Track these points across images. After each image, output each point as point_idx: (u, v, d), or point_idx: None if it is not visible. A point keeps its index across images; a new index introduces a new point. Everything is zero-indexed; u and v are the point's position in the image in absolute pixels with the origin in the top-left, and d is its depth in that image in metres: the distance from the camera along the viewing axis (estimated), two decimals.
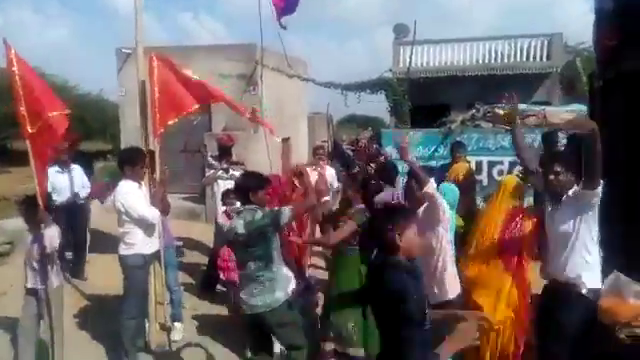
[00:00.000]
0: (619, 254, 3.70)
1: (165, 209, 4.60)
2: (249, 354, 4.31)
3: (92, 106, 25.98)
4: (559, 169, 3.31)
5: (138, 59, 4.69)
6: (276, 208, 3.59)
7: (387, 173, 5.20)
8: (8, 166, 17.03)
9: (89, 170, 8.28)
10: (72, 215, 6.35)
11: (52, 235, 4.09)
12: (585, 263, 3.23)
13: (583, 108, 9.55)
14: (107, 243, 7.73)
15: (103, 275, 6.56)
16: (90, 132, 25.76)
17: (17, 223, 8.30)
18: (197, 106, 4.62)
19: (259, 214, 3.44)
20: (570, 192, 3.31)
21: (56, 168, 6.26)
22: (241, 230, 3.42)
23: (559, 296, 3.29)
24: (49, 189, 5.61)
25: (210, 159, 6.85)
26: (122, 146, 12.22)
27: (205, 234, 7.72)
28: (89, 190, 6.79)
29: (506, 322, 3.73)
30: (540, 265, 3.76)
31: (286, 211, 3.47)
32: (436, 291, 3.51)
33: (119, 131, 13.26)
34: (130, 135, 11.54)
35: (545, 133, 6.95)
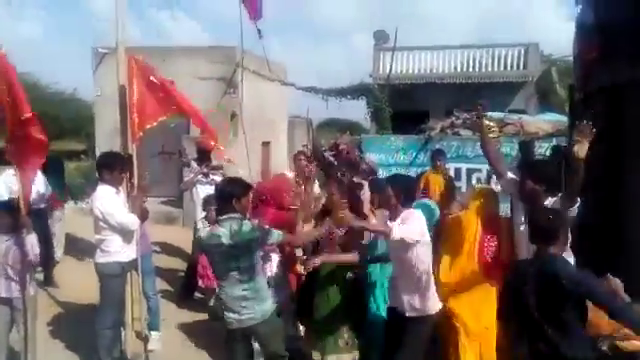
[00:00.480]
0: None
1: (143, 215, 4.48)
2: None
3: (66, 105, 25.38)
4: (533, 179, 3.35)
5: (119, 61, 4.57)
6: (267, 227, 3.47)
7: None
8: None
9: (59, 171, 7.90)
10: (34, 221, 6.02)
11: (33, 242, 3.96)
12: None
13: (559, 118, 9.76)
14: (81, 247, 7.60)
15: (76, 281, 6.38)
16: (63, 131, 25.17)
17: None
18: (172, 114, 4.69)
19: (247, 225, 3.31)
20: (547, 203, 3.34)
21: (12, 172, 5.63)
22: (226, 240, 3.27)
23: None
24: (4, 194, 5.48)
25: (193, 162, 6.72)
26: (97, 147, 12.00)
27: (182, 239, 7.59)
28: (48, 195, 6.25)
29: (488, 331, 3.74)
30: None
31: (275, 234, 3.42)
32: (418, 306, 3.48)
33: (93, 131, 13.02)
34: (105, 136, 11.33)
35: (521, 142, 7.05)
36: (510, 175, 3.75)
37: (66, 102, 25.98)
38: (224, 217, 3.35)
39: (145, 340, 4.67)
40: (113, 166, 4.20)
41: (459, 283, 3.76)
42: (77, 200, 6.70)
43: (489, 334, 3.74)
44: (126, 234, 4.20)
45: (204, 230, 3.37)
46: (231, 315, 3.38)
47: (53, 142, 17.48)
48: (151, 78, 4.66)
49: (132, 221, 4.16)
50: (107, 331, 4.23)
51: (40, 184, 5.89)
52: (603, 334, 3.25)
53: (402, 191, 3.45)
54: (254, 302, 3.37)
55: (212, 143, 6.63)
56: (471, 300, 3.76)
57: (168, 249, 7.82)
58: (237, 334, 3.44)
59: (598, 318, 3.18)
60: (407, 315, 3.46)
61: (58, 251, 6.74)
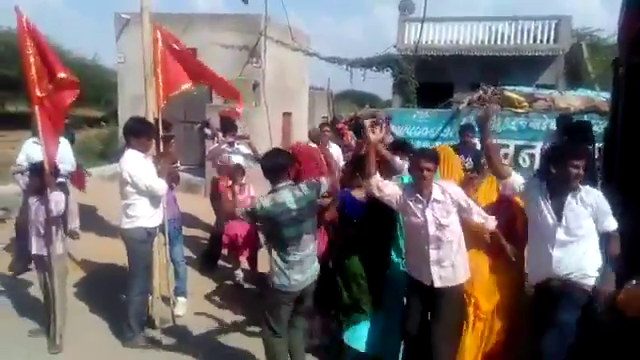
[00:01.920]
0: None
1: (174, 181, 4.48)
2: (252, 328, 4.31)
3: (87, 71, 25.36)
4: (580, 163, 3.18)
5: (143, 27, 4.48)
6: (314, 180, 3.60)
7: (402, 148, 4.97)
8: (1, 129, 16.65)
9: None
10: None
11: (58, 199, 4.02)
12: (591, 258, 3.23)
13: (590, 93, 9.46)
14: (98, 215, 7.68)
15: (95, 249, 6.47)
16: (84, 98, 25.23)
17: (12, 189, 8.17)
18: (196, 83, 4.83)
19: (305, 188, 3.46)
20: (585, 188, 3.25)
21: (34, 139, 5.55)
22: (293, 205, 3.35)
23: (564, 294, 3.23)
24: (24, 161, 5.52)
25: (219, 133, 6.66)
26: (119, 114, 11.98)
27: (204, 208, 7.56)
28: (72, 168, 6.21)
29: (497, 314, 3.71)
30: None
31: (324, 182, 3.60)
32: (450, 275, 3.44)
33: (114, 98, 12.98)
34: (128, 103, 11.30)
35: (562, 118, 6.71)
36: (514, 177, 3.53)
37: (87, 68, 25.98)
38: (282, 185, 3.42)
39: (172, 306, 4.70)
40: (141, 132, 4.16)
41: (475, 261, 3.70)
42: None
43: (497, 317, 3.70)
44: (153, 199, 4.17)
45: (265, 199, 3.33)
46: (297, 277, 3.41)
47: (73, 108, 17.70)
48: (174, 46, 4.69)
49: (161, 186, 4.13)
50: (137, 297, 4.25)
51: (64, 155, 5.68)
52: None
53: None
54: (314, 260, 3.54)
55: (238, 111, 6.58)
56: (485, 280, 3.72)
57: (190, 218, 7.82)
58: (291, 297, 3.47)
59: None
60: (436, 286, 3.43)
61: (75, 222, 6.75)
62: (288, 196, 3.37)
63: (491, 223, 3.53)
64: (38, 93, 3.94)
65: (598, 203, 3.20)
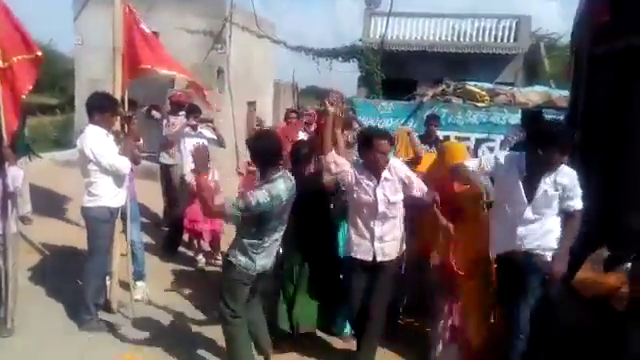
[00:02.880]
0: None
1: (136, 160, 4.32)
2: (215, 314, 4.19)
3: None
4: (561, 150, 3.22)
5: (115, 4, 4.29)
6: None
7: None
8: None
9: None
10: None
11: (15, 174, 3.83)
12: (554, 235, 3.30)
13: (548, 90, 9.76)
14: (50, 200, 7.39)
15: (49, 233, 6.22)
16: (38, 85, 24.25)
17: None
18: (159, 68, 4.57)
19: (291, 179, 3.32)
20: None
21: None
22: (285, 197, 3.19)
23: (525, 266, 3.31)
24: None
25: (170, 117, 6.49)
26: (77, 96, 11.53)
27: (160, 194, 7.37)
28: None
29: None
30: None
31: None
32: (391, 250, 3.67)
33: (69, 85, 12.48)
34: (85, 86, 10.86)
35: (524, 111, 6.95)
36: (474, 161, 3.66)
37: (42, 53, 24.91)
38: (277, 175, 3.22)
39: (130, 289, 4.55)
40: (106, 107, 4.01)
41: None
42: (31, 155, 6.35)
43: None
44: (117, 178, 4.02)
45: (261, 194, 3.05)
46: (262, 262, 3.32)
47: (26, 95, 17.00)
48: (142, 26, 4.52)
49: (124, 164, 3.99)
50: (95, 278, 4.10)
51: None
52: (602, 293, 3.25)
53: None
54: (278, 245, 3.49)
55: (188, 97, 6.53)
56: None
57: (148, 204, 7.62)
58: (252, 278, 3.36)
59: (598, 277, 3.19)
60: (378, 260, 3.58)
61: (26, 207, 6.44)
62: (282, 187, 3.17)
63: (429, 197, 3.59)
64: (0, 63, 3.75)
65: (571, 184, 3.24)
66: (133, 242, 4.71)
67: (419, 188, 3.61)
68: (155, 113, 7.25)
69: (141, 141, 5.19)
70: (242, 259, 3.28)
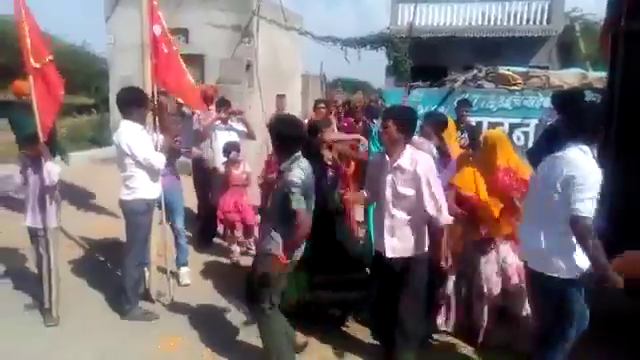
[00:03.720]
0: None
1: (176, 155, 4.45)
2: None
3: (76, 58, 25.08)
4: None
5: (142, 2, 4.38)
6: None
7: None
8: None
9: None
10: None
11: (51, 169, 3.97)
12: None
13: (583, 72, 9.45)
14: (88, 200, 7.62)
15: (90, 226, 6.43)
16: (73, 85, 24.95)
17: (2, 172, 8.08)
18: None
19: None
20: None
21: None
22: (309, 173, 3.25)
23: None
24: None
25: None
26: (111, 94, 11.81)
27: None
28: None
29: None
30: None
31: None
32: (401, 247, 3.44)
33: (103, 85, 12.78)
34: (118, 84, 11.05)
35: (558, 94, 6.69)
36: None
37: (76, 55, 25.68)
38: (298, 154, 3.24)
39: (171, 278, 4.67)
40: (137, 102, 4.08)
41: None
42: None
43: None
44: (152, 171, 4.11)
45: (297, 172, 3.10)
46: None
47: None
48: (166, 45, 4.49)
49: (159, 159, 4.08)
50: (134, 268, 4.22)
51: None
52: None
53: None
54: None
55: (215, 92, 6.64)
56: None
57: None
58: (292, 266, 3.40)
59: None
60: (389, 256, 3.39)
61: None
62: (305, 164, 3.21)
63: (443, 220, 3.28)
64: (33, 63, 3.90)
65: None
66: (177, 230, 4.83)
67: (432, 205, 3.24)
68: (185, 109, 7.37)
69: (179, 137, 5.27)
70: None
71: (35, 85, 3.94)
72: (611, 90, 4.54)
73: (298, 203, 3.05)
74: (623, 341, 3.29)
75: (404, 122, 3.28)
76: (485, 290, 3.79)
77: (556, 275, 2.86)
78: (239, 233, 5.73)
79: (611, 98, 4.49)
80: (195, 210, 7.20)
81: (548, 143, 4.86)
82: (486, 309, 3.81)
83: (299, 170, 3.12)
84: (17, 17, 3.92)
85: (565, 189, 2.79)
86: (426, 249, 3.39)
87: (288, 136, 3.22)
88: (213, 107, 6.46)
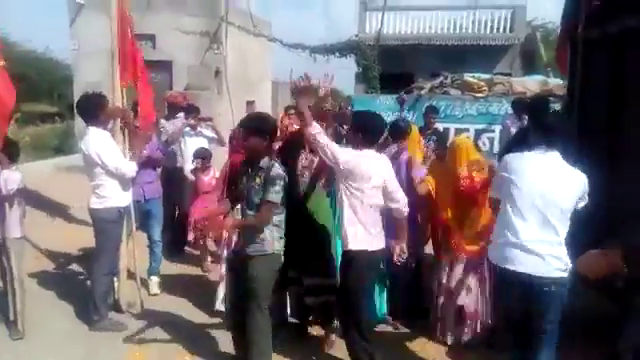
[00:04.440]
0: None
1: (157, 162, 4.67)
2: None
3: (38, 65, 24.40)
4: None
5: (111, 7, 4.33)
6: None
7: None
8: None
9: None
10: None
11: (7, 177, 3.83)
12: None
13: (545, 79, 9.79)
14: (54, 209, 7.46)
15: (56, 237, 6.30)
16: (36, 93, 24.27)
17: None
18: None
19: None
20: None
21: None
22: None
23: None
24: None
25: (162, 121, 6.45)
26: (75, 100, 11.57)
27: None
28: None
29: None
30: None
31: None
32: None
33: (68, 91, 12.50)
34: (83, 91, 10.89)
35: (517, 101, 6.95)
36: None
37: (38, 61, 24.95)
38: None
39: (142, 287, 4.63)
40: (99, 107, 4.03)
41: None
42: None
43: None
44: (123, 179, 4.06)
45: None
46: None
47: (24, 104, 17.11)
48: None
49: (130, 168, 4.04)
50: (104, 278, 4.15)
51: None
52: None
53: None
54: None
55: (184, 98, 6.58)
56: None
57: None
58: None
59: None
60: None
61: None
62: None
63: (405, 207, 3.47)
64: None
65: None
66: (152, 239, 4.78)
67: (394, 198, 3.41)
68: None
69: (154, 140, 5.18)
70: (277, 245, 3.32)
71: None
72: (571, 97, 4.74)
73: (277, 195, 3.18)
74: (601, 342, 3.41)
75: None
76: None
77: (559, 276, 2.83)
78: (210, 242, 5.69)
79: (571, 104, 4.69)
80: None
81: (518, 146, 5.04)
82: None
83: (281, 167, 3.26)
84: None
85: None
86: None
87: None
88: (182, 114, 6.40)
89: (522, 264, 2.81)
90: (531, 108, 5.30)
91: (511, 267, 2.84)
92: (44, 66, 25.21)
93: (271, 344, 3.41)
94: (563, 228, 2.84)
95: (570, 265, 2.85)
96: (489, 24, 15.44)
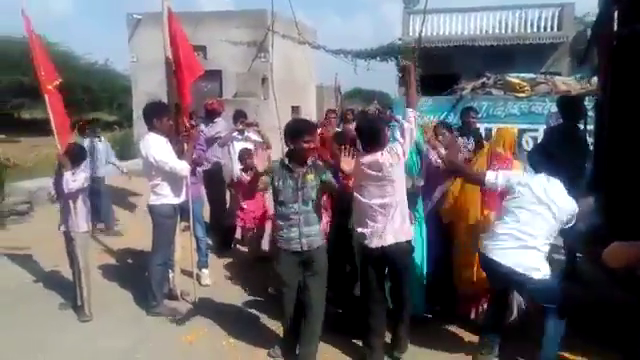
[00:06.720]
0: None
1: (198, 162, 4.92)
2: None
3: (98, 76, 25.89)
4: None
5: (164, 17, 4.77)
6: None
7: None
8: (16, 135, 17.18)
9: None
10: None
11: (68, 177, 4.28)
12: None
13: (585, 77, 9.59)
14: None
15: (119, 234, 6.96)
16: (97, 102, 25.74)
17: (32, 184, 8.60)
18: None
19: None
20: None
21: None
22: None
23: None
24: None
25: (202, 124, 6.81)
26: (134, 110, 12.37)
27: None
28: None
29: None
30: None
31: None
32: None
33: (127, 101, 13.38)
34: (142, 101, 11.65)
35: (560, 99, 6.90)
36: (491, 175, 3.69)
37: (99, 73, 26.42)
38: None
39: (195, 279, 5.02)
40: (161, 114, 4.45)
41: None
42: None
43: None
44: (177, 179, 4.47)
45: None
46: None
47: (87, 114, 18.23)
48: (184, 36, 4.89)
49: (183, 167, 4.41)
50: (158, 267, 4.57)
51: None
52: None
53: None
54: None
55: (221, 105, 7.12)
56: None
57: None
58: None
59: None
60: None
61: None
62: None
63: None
64: (48, 85, 4.35)
65: None
66: (197, 236, 5.21)
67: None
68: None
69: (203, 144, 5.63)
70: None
71: (50, 104, 4.36)
72: (603, 94, 4.79)
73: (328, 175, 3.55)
74: (613, 330, 3.49)
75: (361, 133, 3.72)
76: None
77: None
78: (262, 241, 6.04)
79: (603, 102, 4.75)
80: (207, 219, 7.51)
81: (546, 145, 5.13)
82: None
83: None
84: (30, 38, 4.38)
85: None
86: None
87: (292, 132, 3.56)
88: (220, 119, 6.81)
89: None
90: (559, 107, 5.38)
91: None
92: (105, 78, 26.67)
93: None
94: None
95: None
96: (536, 23, 15.20)
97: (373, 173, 3.49)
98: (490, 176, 3.63)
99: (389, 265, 3.68)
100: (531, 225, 3.33)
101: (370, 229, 3.57)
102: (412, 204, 3.98)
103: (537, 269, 3.28)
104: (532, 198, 3.37)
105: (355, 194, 3.63)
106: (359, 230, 3.65)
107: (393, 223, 3.53)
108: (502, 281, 3.46)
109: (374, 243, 3.55)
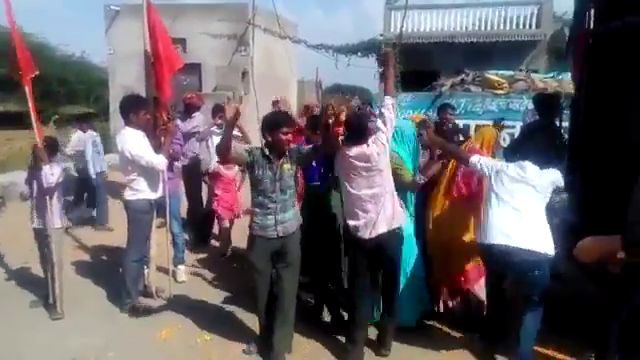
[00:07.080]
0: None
1: (175, 157, 4.84)
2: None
3: (75, 68, 25.33)
4: None
5: (144, 9, 4.67)
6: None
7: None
8: None
9: None
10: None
11: (47, 172, 4.20)
12: None
13: (568, 76, 9.74)
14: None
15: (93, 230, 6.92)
16: (73, 95, 25.21)
17: (4, 179, 8.41)
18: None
19: None
20: None
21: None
22: None
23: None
24: None
25: (178, 120, 6.71)
26: (111, 103, 12.15)
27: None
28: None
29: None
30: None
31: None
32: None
33: (103, 94, 13.13)
34: (119, 94, 11.45)
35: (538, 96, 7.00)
36: (476, 158, 3.80)
37: (75, 65, 25.87)
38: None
39: (171, 275, 4.97)
40: (138, 108, 4.35)
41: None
42: None
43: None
44: (153, 174, 4.40)
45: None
46: None
47: (62, 106, 17.86)
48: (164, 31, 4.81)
49: (160, 161, 4.34)
50: (134, 264, 4.50)
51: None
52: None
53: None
54: None
55: (200, 100, 7.04)
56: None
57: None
58: None
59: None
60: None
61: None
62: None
63: None
64: (27, 76, 4.20)
65: None
66: (173, 232, 5.14)
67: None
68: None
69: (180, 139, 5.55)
70: None
71: (31, 95, 4.24)
72: (580, 91, 4.84)
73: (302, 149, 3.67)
74: (586, 325, 3.55)
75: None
76: None
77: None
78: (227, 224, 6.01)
79: (579, 99, 4.80)
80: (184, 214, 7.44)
81: (524, 142, 5.17)
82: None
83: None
84: (12, 28, 4.15)
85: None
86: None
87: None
88: (197, 114, 6.76)
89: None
90: (536, 104, 5.46)
91: None
92: (81, 70, 26.12)
93: None
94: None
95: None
96: (515, 20, 15.36)
97: (361, 164, 3.50)
98: (475, 159, 3.77)
99: (382, 254, 3.66)
100: (521, 201, 3.47)
101: (363, 220, 3.56)
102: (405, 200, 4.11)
103: (550, 246, 3.39)
104: (511, 180, 3.54)
105: (344, 185, 3.63)
106: (351, 223, 3.63)
107: (385, 212, 3.55)
108: (513, 267, 3.43)
109: (368, 234, 3.56)
